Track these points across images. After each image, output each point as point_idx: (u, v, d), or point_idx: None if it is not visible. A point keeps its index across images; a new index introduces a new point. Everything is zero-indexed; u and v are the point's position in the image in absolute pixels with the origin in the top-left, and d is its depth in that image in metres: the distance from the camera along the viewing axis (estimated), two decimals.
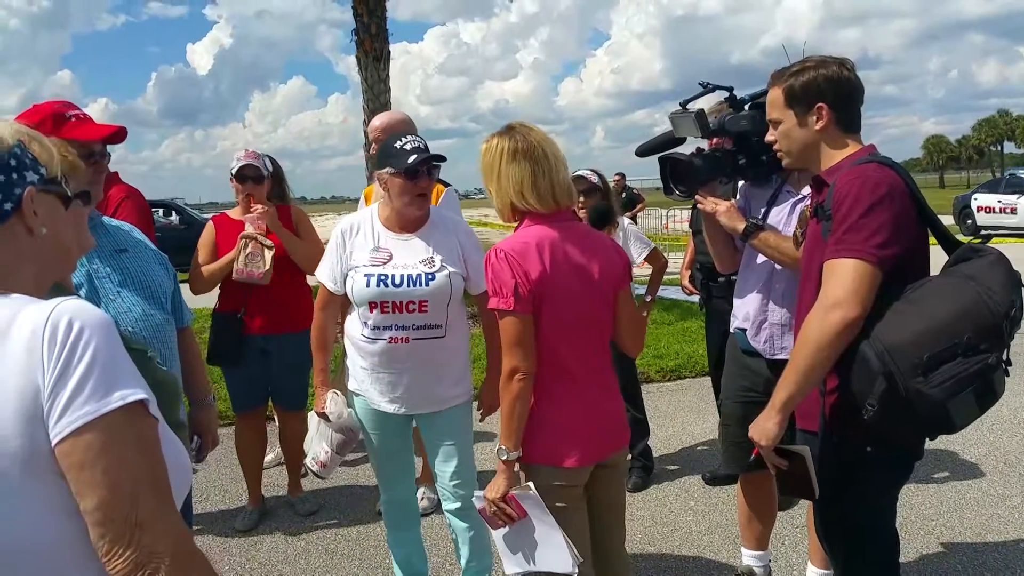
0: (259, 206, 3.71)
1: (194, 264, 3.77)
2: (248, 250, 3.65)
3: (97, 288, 2.19)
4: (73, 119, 2.11)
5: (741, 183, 2.89)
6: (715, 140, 2.69)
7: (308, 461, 3.06)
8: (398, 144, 2.64)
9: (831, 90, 2.02)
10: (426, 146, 2.66)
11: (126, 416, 0.96)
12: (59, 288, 1.07)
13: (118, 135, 2.18)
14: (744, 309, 2.73)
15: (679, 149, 2.74)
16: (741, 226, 2.57)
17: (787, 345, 2.61)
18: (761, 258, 2.64)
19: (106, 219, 2.37)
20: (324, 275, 2.82)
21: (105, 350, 0.97)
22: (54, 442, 0.93)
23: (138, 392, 0.98)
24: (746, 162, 2.62)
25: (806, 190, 2.61)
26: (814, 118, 2.04)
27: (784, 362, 2.58)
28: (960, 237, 2.14)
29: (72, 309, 0.98)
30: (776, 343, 2.65)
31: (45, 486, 0.94)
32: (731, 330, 2.84)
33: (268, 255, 3.64)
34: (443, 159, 2.69)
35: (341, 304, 2.87)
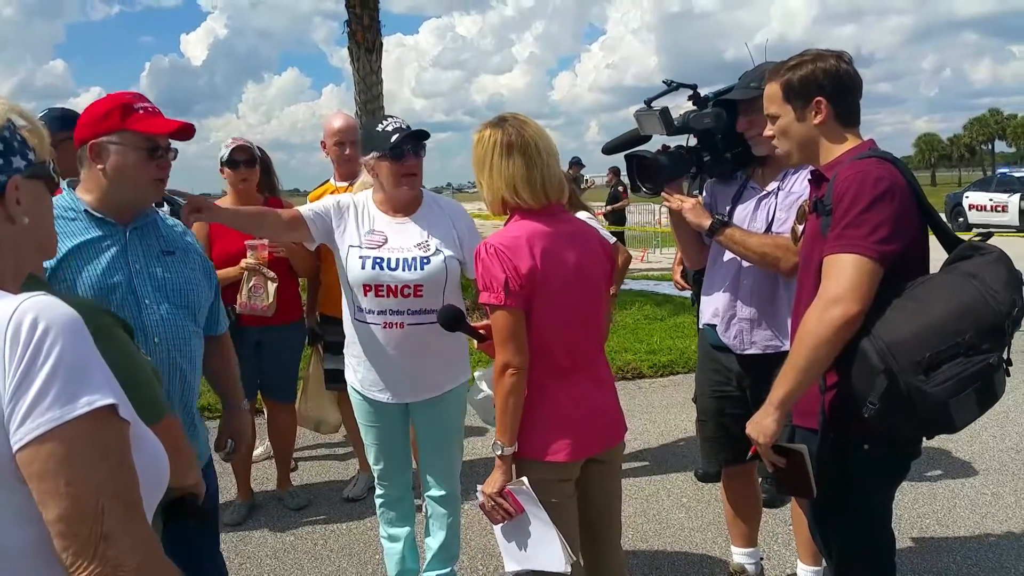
0: (263, 241, 3.61)
1: None
2: (251, 283, 3.61)
3: (136, 288, 2.04)
4: (141, 111, 2.02)
5: (707, 180, 2.91)
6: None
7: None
8: (379, 128, 2.60)
9: (829, 83, 1.97)
10: (408, 125, 2.63)
11: (92, 423, 0.90)
12: (33, 280, 1.02)
13: (185, 131, 2.07)
14: (713, 305, 2.74)
15: (645, 147, 2.77)
16: (707, 223, 2.59)
17: (756, 340, 2.62)
18: (728, 254, 2.65)
19: (166, 218, 2.23)
20: (304, 207, 2.71)
21: (72, 352, 0.90)
22: (15, 449, 0.88)
23: (107, 396, 0.92)
24: (711, 159, 2.65)
25: (771, 186, 2.63)
26: (812, 112, 1.99)
27: (754, 356, 2.62)
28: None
29: (37, 306, 0.91)
30: (746, 338, 2.65)
31: (9, 492, 0.89)
32: (700, 326, 2.86)
33: (272, 288, 3.61)
34: (427, 135, 2.65)
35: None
